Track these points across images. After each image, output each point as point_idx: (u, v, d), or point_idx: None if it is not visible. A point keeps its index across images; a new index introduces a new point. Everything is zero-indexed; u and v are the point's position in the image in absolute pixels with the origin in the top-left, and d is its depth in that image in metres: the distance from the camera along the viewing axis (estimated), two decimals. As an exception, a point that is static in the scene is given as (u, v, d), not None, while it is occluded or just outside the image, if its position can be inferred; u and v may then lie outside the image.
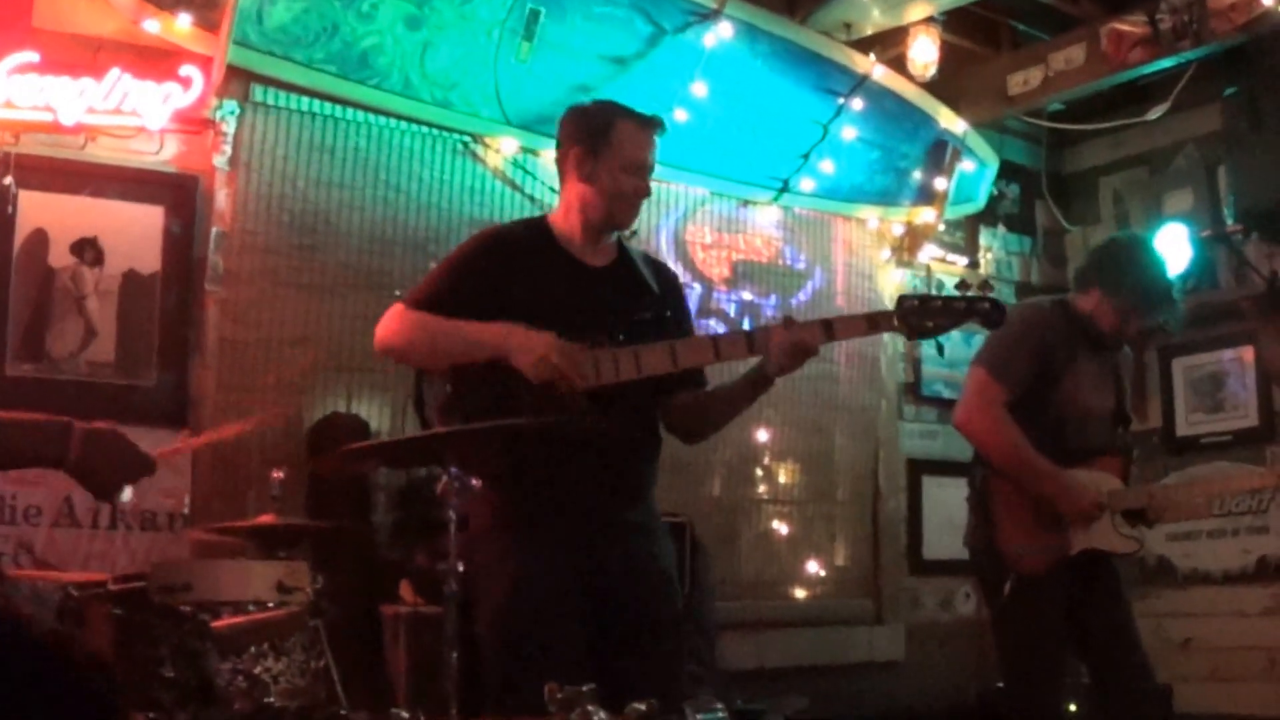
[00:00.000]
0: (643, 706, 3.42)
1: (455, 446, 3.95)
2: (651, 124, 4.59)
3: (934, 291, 4.45)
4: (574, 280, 4.50)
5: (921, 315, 4.34)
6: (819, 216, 8.65)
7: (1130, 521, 5.72)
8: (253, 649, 4.32)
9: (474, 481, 3.93)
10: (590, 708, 3.32)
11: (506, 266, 4.44)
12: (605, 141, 4.51)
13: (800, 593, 8.42)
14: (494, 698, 4.20)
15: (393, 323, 4.44)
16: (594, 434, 4.24)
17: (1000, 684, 6.34)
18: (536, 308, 4.32)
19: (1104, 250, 6.10)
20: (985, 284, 4.48)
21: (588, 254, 4.56)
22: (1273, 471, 6.31)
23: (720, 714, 3.47)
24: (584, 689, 3.38)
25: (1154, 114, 8.76)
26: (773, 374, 4.35)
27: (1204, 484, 6.81)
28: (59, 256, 6.18)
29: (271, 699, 4.32)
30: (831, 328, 4.37)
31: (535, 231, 4.62)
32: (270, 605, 4.42)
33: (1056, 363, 5.71)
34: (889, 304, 8.45)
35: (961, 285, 4.46)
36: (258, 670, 4.33)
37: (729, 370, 4.67)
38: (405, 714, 3.43)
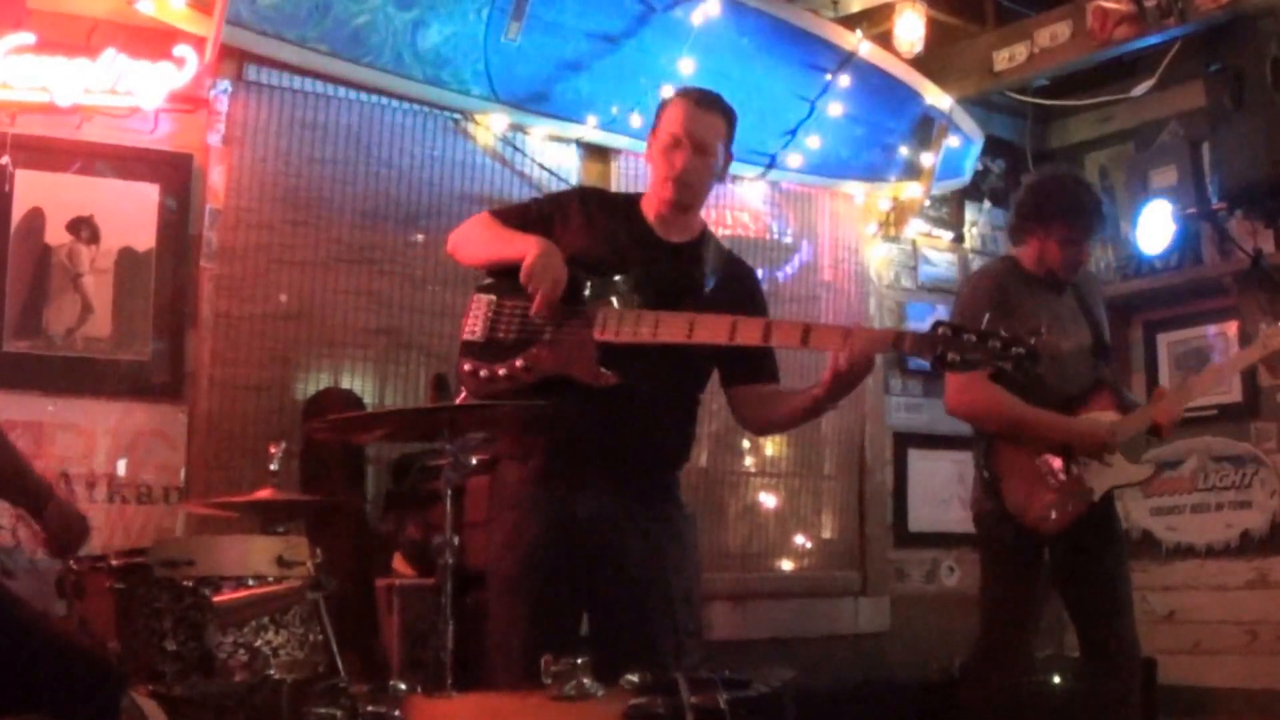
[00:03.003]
0: (636, 678, 3.47)
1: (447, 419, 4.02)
2: (688, 94, 4.72)
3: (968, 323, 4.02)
4: (637, 245, 4.60)
5: (949, 346, 4.06)
6: (806, 191, 8.69)
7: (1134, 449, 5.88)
8: (253, 622, 4.39)
9: (472, 459, 3.98)
10: (586, 680, 3.38)
11: (579, 213, 4.62)
12: (657, 121, 4.68)
13: (786, 564, 8.47)
14: (486, 651, 4.29)
15: (467, 222, 4.78)
16: (600, 400, 4.35)
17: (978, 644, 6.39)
18: (590, 256, 4.48)
19: (1025, 195, 6.14)
20: (1037, 334, 4.14)
21: (662, 229, 4.66)
22: (1259, 345, 6.25)
23: (713, 687, 3.52)
24: (579, 661, 3.43)
25: (1139, 90, 8.81)
26: (834, 391, 4.31)
27: (1196, 381, 6.70)
28: (55, 234, 6.23)
29: (272, 671, 4.40)
30: (850, 335, 4.19)
31: (625, 201, 4.80)
32: (270, 579, 4.49)
33: (1014, 314, 5.63)
34: (875, 278, 8.58)
35: (1009, 328, 4.11)
36: (258, 643, 4.41)
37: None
38: (404, 686, 3.47)
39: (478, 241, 4.67)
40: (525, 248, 4.40)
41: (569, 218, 4.60)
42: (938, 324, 4.11)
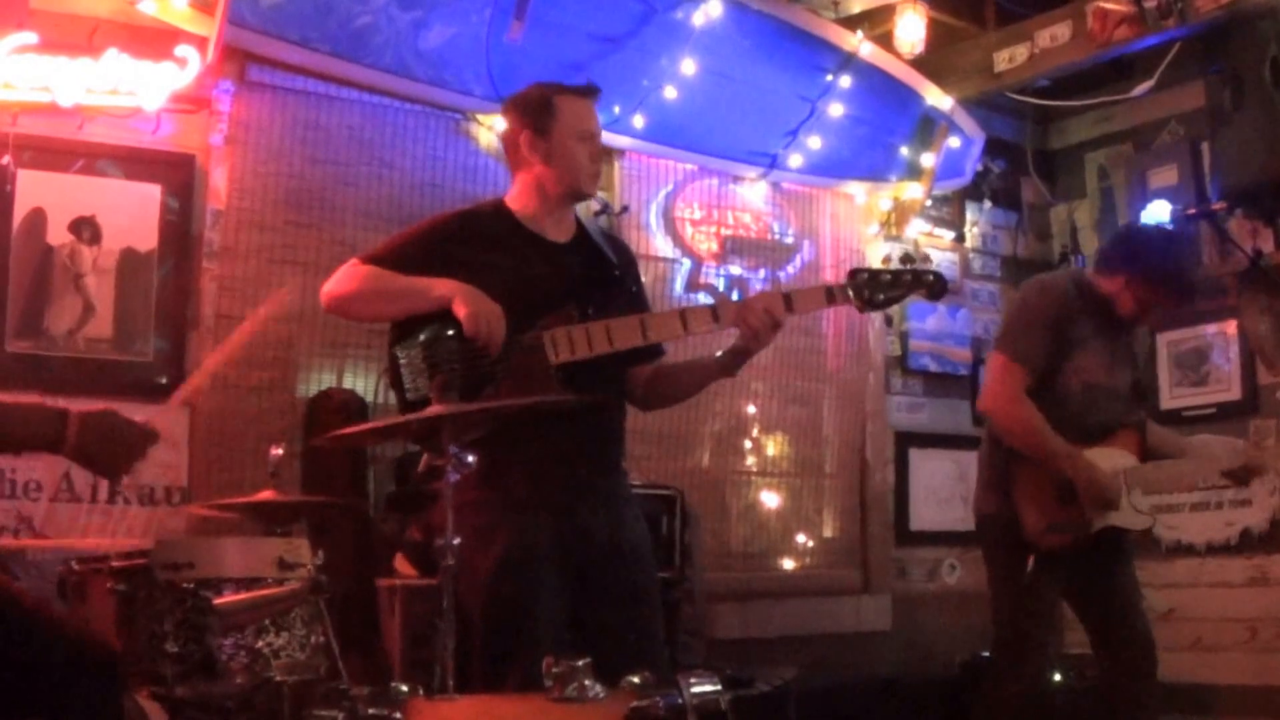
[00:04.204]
0: (637, 679, 3.48)
1: (450, 424, 4.00)
2: (589, 92, 4.66)
3: (881, 265, 4.61)
4: (540, 256, 4.53)
5: (873, 288, 4.49)
6: (807, 191, 8.72)
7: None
8: (254, 624, 4.39)
9: (470, 459, 3.96)
10: (587, 681, 3.38)
11: (472, 245, 4.49)
12: (551, 118, 4.54)
13: (788, 563, 8.50)
14: (480, 670, 4.27)
15: (342, 275, 4.51)
16: (580, 407, 4.32)
17: (987, 652, 6.42)
18: (504, 283, 4.37)
19: (1135, 239, 6.14)
20: (926, 258, 4.70)
21: (549, 231, 4.60)
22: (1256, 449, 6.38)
23: (714, 687, 3.52)
24: (580, 663, 3.44)
25: (1139, 91, 8.82)
26: (740, 348, 4.45)
27: (1204, 460, 6.78)
28: (57, 235, 6.23)
29: (273, 673, 4.40)
30: (790, 300, 4.47)
31: (497, 213, 4.64)
32: (271, 581, 4.49)
33: (1069, 336, 5.81)
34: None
35: (905, 259, 4.68)
36: (259, 645, 4.40)
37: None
38: (404, 688, 3.47)
39: (380, 295, 4.47)
40: (444, 293, 4.31)
41: (462, 248, 4.49)
42: (854, 271, 4.57)
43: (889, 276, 4.52)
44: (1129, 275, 5.86)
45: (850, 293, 4.49)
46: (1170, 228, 6.87)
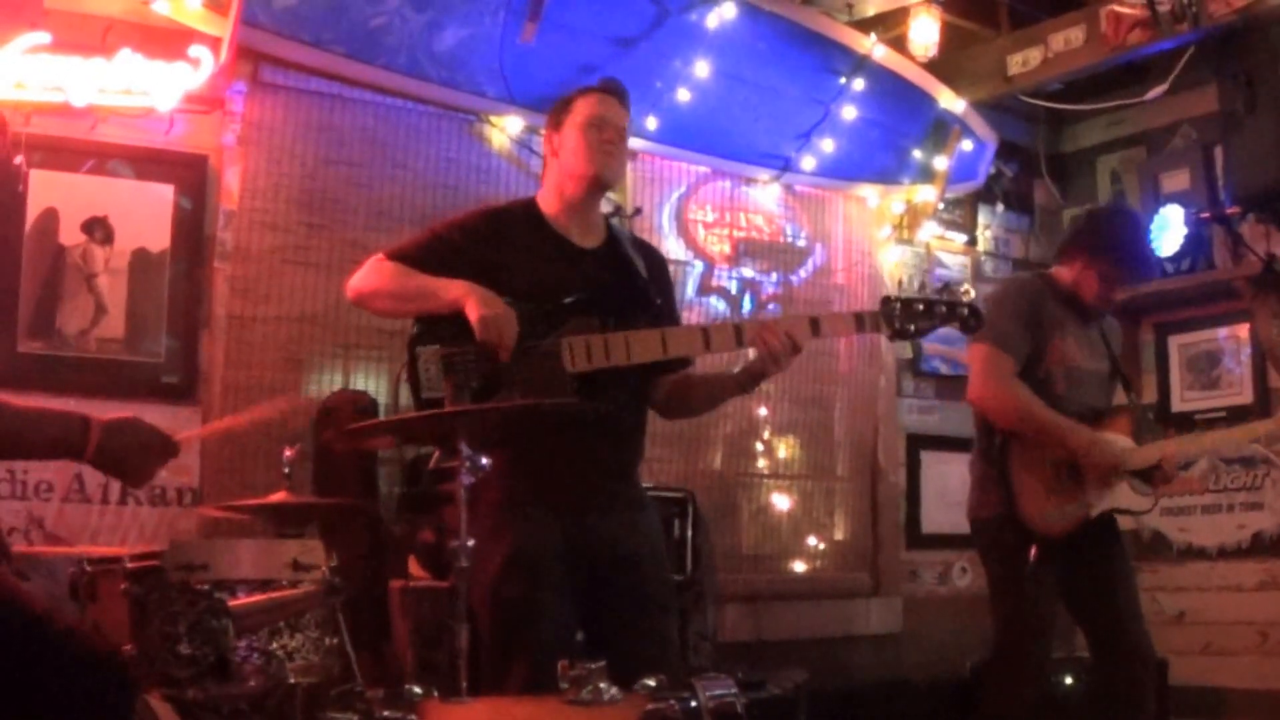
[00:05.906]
0: (652, 682, 3.47)
1: (463, 425, 3.98)
2: (603, 87, 4.67)
3: (916, 292, 4.45)
4: (566, 262, 4.51)
5: (904, 318, 4.46)
6: (820, 194, 8.72)
7: (1143, 479, 5.87)
8: (268, 627, 4.39)
9: (484, 460, 3.95)
10: (602, 685, 3.37)
11: (498, 246, 4.46)
12: (565, 114, 4.55)
13: (799, 566, 8.49)
14: (486, 670, 4.26)
15: (367, 270, 4.50)
16: (590, 415, 4.29)
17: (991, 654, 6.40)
18: (526, 287, 4.36)
19: (1085, 220, 6.29)
20: (964, 290, 4.60)
21: (575, 234, 4.57)
22: (1273, 419, 6.41)
23: (730, 690, 3.51)
24: (595, 666, 3.43)
25: (1152, 95, 8.80)
26: (757, 369, 4.40)
27: (1210, 435, 6.81)
28: (69, 235, 6.22)
29: (287, 675, 4.39)
30: (818, 324, 4.45)
31: (527, 213, 4.62)
32: (285, 583, 4.49)
33: (1044, 328, 5.87)
34: (889, 281, 8.59)
35: (943, 289, 4.55)
36: (273, 647, 4.39)
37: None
38: (419, 690, 3.46)
39: (396, 294, 4.46)
40: (457, 296, 4.28)
41: (488, 248, 4.46)
42: (886, 299, 4.51)
43: (922, 306, 4.47)
44: (1084, 255, 5.96)
45: (881, 321, 4.47)
46: (1119, 205, 6.93)
